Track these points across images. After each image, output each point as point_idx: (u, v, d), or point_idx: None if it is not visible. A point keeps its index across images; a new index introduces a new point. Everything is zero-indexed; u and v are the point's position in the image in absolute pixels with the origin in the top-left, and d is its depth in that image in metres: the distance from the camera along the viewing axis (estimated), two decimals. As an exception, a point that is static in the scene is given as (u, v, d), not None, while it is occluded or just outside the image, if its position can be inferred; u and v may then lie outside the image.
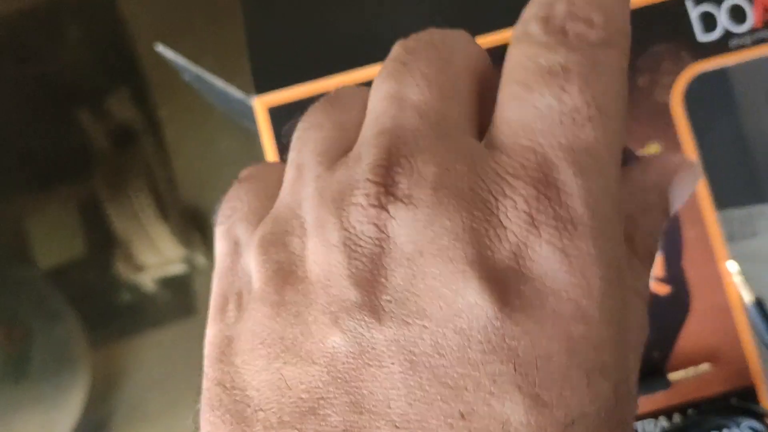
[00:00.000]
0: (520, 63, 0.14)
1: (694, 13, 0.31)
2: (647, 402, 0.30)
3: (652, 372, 0.30)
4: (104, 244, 0.47)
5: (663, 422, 0.30)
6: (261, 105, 0.32)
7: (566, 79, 0.13)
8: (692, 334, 0.30)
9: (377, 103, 0.14)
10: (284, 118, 0.32)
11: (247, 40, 0.32)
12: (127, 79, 0.47)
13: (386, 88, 0.14)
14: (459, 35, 0.16)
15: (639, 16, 0.31)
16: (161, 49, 0.32)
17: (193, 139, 0.48)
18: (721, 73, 0.32)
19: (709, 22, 0.31)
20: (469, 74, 0.15)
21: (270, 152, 0.31)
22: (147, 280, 0.48)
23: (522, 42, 0.14)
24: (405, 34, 0.31)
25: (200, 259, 0.47)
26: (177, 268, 0.48)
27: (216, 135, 0.45)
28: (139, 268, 0.49)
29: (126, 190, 0.49)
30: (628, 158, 0.15)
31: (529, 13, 0.15)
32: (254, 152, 0.33)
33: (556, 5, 0.14)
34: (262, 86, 0.32)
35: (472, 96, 0.15)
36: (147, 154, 0.48)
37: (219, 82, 0.33)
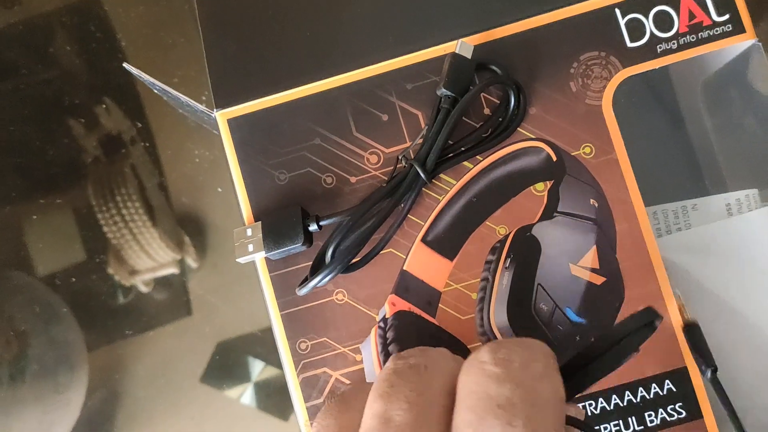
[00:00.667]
0: (472, 391, 0.17)
1: (623, 20, 0.34)
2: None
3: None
4: (99, 249, 0.49)
5: (602, 402, 0.32)
6: (222, 118, 0.34)
7: (513, 414, 0.16)
8: (626, 320, 0.32)
9: (368, 419, 0.18)
10: (243, 128, 0.34)
11: (207, 59, 0.34)
12: (113, 90, 0.49)
13: (376, 408, 0.18)
14: (441, 355, 0.19)
15: (571, 24, 0.34)
16: (127, 66, 0.34)
17: (177, 146, 0.50)
18: (649, 77, 0.34)
19: (637, 28, 0.34)
20: (445, 394, 0.18)
21: (232, 159, 0.34)
22: (140, 283, 0.50)
23: (474, 368, 0.18)
24: (355, 51, 0.33)
25: (190, 262, 0.49)
26: (169, 271, 0.50)
27: (192, 142, 0.47)
28: (132, 272, 0.51)
29: (115, 197, 0.51)
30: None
31: (483, 345, 0.18)
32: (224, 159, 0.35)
33: (506, 342, 0.18)
34: (222, 101, 0.34)
35: (445, 412, 0.18)
36: (135, 161, 0.50)
37: (183, 97, 0.35)
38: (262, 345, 0.47)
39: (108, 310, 0.49)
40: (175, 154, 0.48)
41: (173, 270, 0.50)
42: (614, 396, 0.32)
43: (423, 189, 0.33)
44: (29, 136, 0.50)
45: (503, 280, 0.33)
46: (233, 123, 0.34)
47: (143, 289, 0.50)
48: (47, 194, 0.49)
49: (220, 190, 0.47)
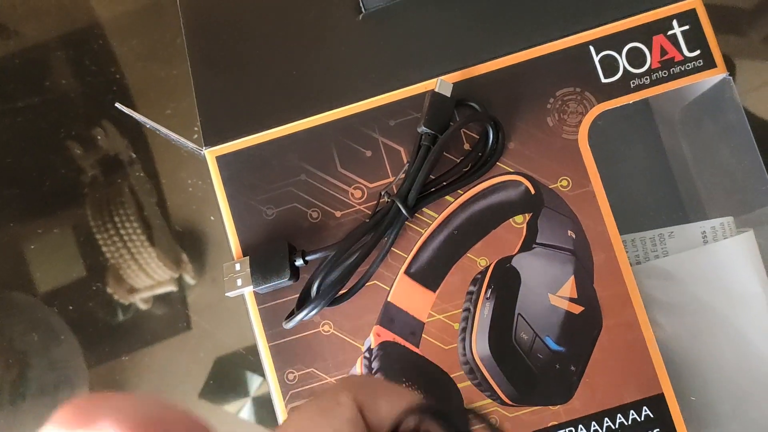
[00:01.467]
0: None
1: (597, 57, 0.35)
2: (568, 411, 0.33)
3: (570, 385, 0.33)
4: (98, 268, 0.50)
5: (582, 429, 0.33)
6: (210, 155, 0.35)
7: None
8: (605, 348, 0.33)
9: None
10: (231, 165, 0.35)
11: (196, 98, 0.35)
12: (113, 111, 0.50)
13: None
14: None
15: (547, 61, 0.35)
16: (119, 106, 0.35)
17: (171, 175, 0.51)
18: (623, 111, 0.35)
19: (611, 65, 0.35)
20: None
21: (220, 195, 0.35)
22: (139, 302, 0.51)
23: None
24: (339, 89, 0.34)
25: (188, 279, 0.50)
26: (167, 289, 0.51)
27: (185, 171, 0.49)
28: (130, 290, 0.52)
29: (114, 218, 0.52)
30: None
31: None
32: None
33: None
34: (211, 139, 0.35)
35: None
36: (133, 182, 0.51)
37: (174, 135, 0.36)
38: (260, 360, 0.48)
39: (107, 328, 0.50)
40: (169, 183, 0.50)
41: (171, 288, 0.51)
42: (593, 423, 0.33)
43: (405, 222, 0.34)
44: (29, 157, 0.51)
45: (484, 311, 0.34)
46: (222, 160, 0.35)
47: (142, 306, 0.51)
48: (48, 213, 0.50)
49: (212, 218, 0.48)
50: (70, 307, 0.49)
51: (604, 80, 0.35)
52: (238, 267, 0.33)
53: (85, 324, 0.49)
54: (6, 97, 0.51)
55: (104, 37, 0.50)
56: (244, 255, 0.34)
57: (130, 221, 0.52)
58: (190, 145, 0.36)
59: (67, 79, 0.51)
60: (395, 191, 0.34)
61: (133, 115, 0.35)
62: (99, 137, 0.51)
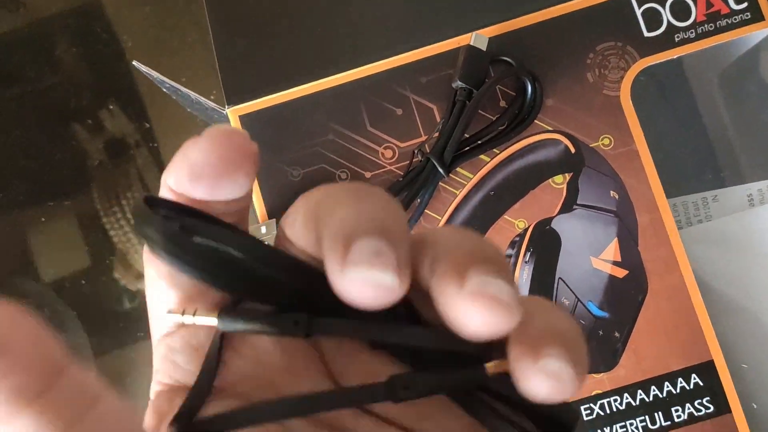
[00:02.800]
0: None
1: (639, 10, 0.33)
2: (612, 379, 0.31)
3: (614, 352, 0.31)
4: (104, 254, 0.49)
5: (627, 398, 0.31)
6: (233, 114, 0.33)
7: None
8: (651, 312, 0.31)
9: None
10: (255, 125, 0.33)
11: (216, 54, 0.34)
12: (117, 93, 0.48)
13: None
14: None
15: (587, 15, 0.33)
16: (136, 64, 0.34)
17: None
18: (667, 67, 0.33)
19: (654, 18, 0.33)
20: None
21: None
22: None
23: None
24: (368, 45, 0.32)
25: None
26: None
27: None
28: (138, 276, 0.50)
29: (121, 201, 0.50)
30: None
31: None
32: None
33: None
34: (233, 97, 0.33)
35: None
36: (140, 165, 0.49)
37: (193, 94, 0.34)
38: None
39: (114, 315, 0.48)
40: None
41: None
42: (639, 391, 0.31)
43: (440, 183, 0.32)
44: (34, 141, 0.49)
45: (523, 275, 0.32)
46: (245, 119, 0.33)
47: None
48: (53, 199, 0.49)
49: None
50: (77, 293, 0.48)
51: (646, 34, 0.33)
52: (264, 230, 0.32)
53: (92, 312, 0.48)
54: (14, 70, 0.50)
55: (116, 5, 0.49)
56: (269, 218, 0.32)
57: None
58: (211, 104, 0.34)
59: (77, 48, 0.49)
60: (429, 150, 0.32)
61: (151, 74, 0.34)
62: (106, 117, 0.49)
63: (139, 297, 0.49)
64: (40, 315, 0.12)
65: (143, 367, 0.47)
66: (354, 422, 0.16)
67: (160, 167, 0.48)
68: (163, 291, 0.17)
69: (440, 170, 0.31)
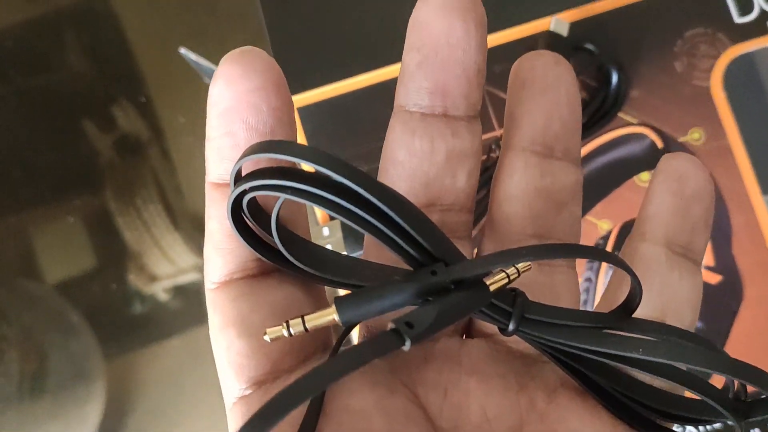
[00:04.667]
0: None
1: (729, -6, 0.31)
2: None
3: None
4: (115, 256, 0.46)
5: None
6: (290, 106, 0.31)
7: None
8: (747, 323, 0.29)
9: None
10: (315, 117, 0.31)
11: (270, 39, 0.31)
12: (132, 88, 0.46)
13: None
14: None
15: (673, 0, 0.31)
16: (184, 51, 0.31)
17: (200, 147, 0.46)
18: (762, 54, 0.31)
19: (745, 3, 0.31)
20: None
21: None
22: (159, 291, 0.48)
23: None
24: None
25: None
26: (189, 277, 0.47)
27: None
28: (151, 278, 0.48)
29: (135, 200, 0.48)
30: None
31: None
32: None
33: None
34: (290, 87, 0.31)
35: None
36: (154, 163, 0.47)
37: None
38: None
39: (125, 319, 0.46)
40: (198, 154, 0.45)
41: (195, 275, 0.47)
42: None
43: (518, 181, 0.30)
44: (42, 138, 0.46)
45: (607, 280, 0.30)
46: (304, 112, 0.31)
47: (162, 296, 0.47)
48: (60, 199, 0.46)
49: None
50: (85, 298, 0.45)
51: (737, 20, 0.31)
52: (326, 232, 0.29)
53: (101, 315, 0.45)
54: (24, 57, 0.47)
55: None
56: (331, 219, 0.30)
57: (153, 202, 0.48)
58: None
59: (88, 40, 0.46)
60: (506, 145, 0.29)
61: (199, 62, 0.31)
62: (118, 113, 0.47)
63: (150, 300, 0.47)
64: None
65: (155, 374, 0.45)
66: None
67: (174, 164, 0.46)
68: (232, 341, 0.14)
69: (522, 167, 0.29)
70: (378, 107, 0.31)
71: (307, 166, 0.13)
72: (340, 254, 0.15)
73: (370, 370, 0.15)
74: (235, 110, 0.14)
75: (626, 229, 0.30)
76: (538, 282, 0.17)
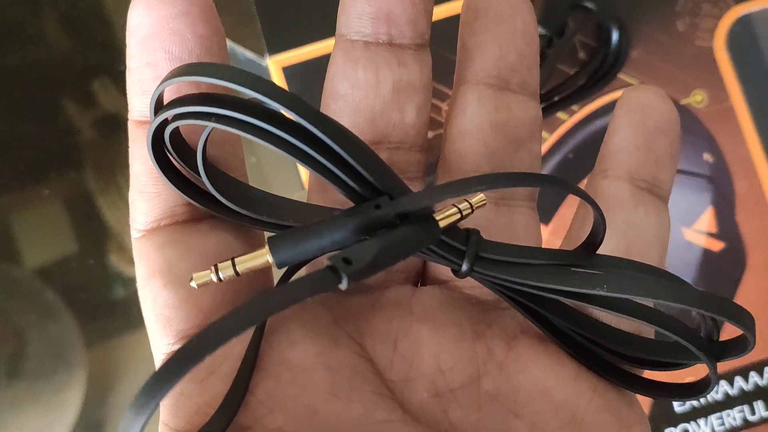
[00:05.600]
0: None
1: (733, -48, 0.30)
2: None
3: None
4: (96, 237, 0.45)
5: (725, 386, 0.28)
6: (275, 65, 0.29)
7: None
8: (751, 291, 0.28)
9: None
10: (300, 77, 0.29)
11: (256, 2, 0.29)
12: (111, 66, 0.44)
13: None
14: None
15: (676, -43, 0.29)
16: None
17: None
18: (766, 15, 0.30)
19: (749, -39, 0.30)
20: None
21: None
22: None
23: None
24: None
25: None
26: None
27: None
28: (133, 260, 0.47)
29: (117, 179, 0.46)
30: None
31: None
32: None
33: None
34: (275, 46, 0.29)
35: None
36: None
37: (230, 44, 0.30)
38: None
39: (106, 303, 0.45)
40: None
41: None
42: (737, 377, 0.28)
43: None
44: (20, 118, 0.45)
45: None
46: (289, 71, 0.29)
47: None
48: (38, 179, 0.45)
49: (254, 160, 0.42)
50: (65, 282, 0.44)
51: (741, -21, 0.29)
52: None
53: (82, 300, 0.44)
54: None
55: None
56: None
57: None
58: (248, 54, 0.30)
59: (65, 14, 0.45)
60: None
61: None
62: (98, 90, 0.45)
63: (134, 285, 0.46)
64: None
65: (138, 360, 0.44)
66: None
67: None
68: (158, 291, 0.13)
69: (518, 127, 0.27)
70: (368, 66, 0.29)
71: (238, 92, 0.12)
72: (277, 196, 0.14)
73: (311, 319, 0.14)
74: (156, 37, 0.13)
75: (626, 195, 0.29)
76: (496, 223, 0.15)
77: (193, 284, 0.12)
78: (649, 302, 0.14)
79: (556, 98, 0.29)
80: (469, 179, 0.12)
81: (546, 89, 0.29)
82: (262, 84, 0.11)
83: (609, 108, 0.29)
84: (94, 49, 0.45)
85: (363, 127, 0.15)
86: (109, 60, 0.44)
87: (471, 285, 0.15)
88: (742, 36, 0.29)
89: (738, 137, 0.29)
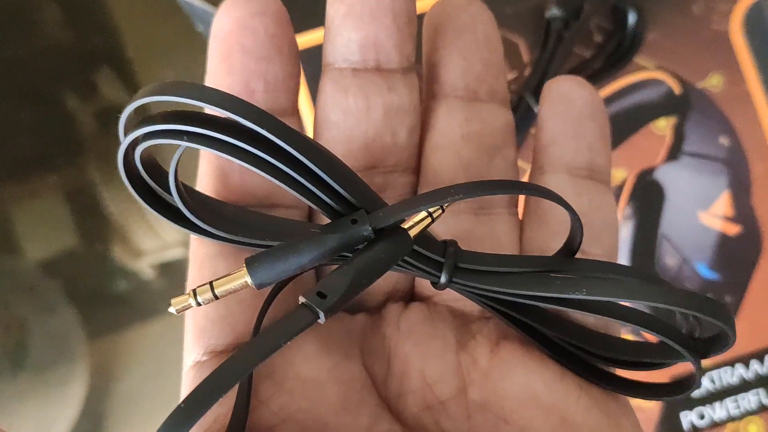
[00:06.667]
0: None
1: (748, -65, 0.29)
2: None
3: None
4: (98, 231, 0.45)
5: (740, 370, 0.28)
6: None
7: None
8: (767, 274, 0.28)
9: None
10: (315, 60, 0.29)
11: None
12: (112, 56, 0.44)
13: None
14: None
15: (691, -61, 0.29)
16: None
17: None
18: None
19: (764, -56, 0.29)
20: None
21: (305, 95, 0.29)
22: (145, 267, 0.46)
23: None
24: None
25: None
26: (176, 253, 0.46)
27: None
28: (136, 254, 0.46)
29: (119, 171, 0.46)
30: None
31: None
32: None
33: None
34: (289, 27, 0.29)
35: None
36: None
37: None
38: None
39: (109, 296, 0.45)
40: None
41: (182, 250, 0.46)
42: (753, 361, 0.28)
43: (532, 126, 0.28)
44: (21, 109, 0.44)
45: (622, 232, 0.28)
46: (305, 55, 0.29)
47: (148, 273, 0.45)
48: (39, 171, 0.44)
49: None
50: (66, 274, 0.44)
51: (757, -38, 0.29)
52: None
53: (84, 293, 0.44)
54: None
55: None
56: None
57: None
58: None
59: (76, 6, 0.44)
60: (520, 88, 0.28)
61: (193, 4, 0.29)
62: (100, 81, 0.45)
63: (136, 277, 0.45)
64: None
65: (140, 354, 0.44)
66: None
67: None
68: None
69: (536, 110, 0.27)
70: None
71: (212, 111, 0.11)
72: (253, 212, 0.14)
73: (326, 332, 0.14)
74: (232, 34, 0.14)
75: (642, 178, 0.29)
76: (476, 233, 0.16)
77: (172, 310, 0.12)
78: (629, 303, 0.14)
79: (572, 81, 0.29)
80: (444, 189, 0.13)
81: (561, 73, 0.29)
82: (235, 102, 0.11)
83: (626, 91, 0.29)
84: (96, 39, 0.44)
85: (357, 153, 0.15)
86: (111, 50, 0.43)
87: (455, 298, 0.15)
88: (758, 19, 0.29)
89: (754, 121, 0.29)
